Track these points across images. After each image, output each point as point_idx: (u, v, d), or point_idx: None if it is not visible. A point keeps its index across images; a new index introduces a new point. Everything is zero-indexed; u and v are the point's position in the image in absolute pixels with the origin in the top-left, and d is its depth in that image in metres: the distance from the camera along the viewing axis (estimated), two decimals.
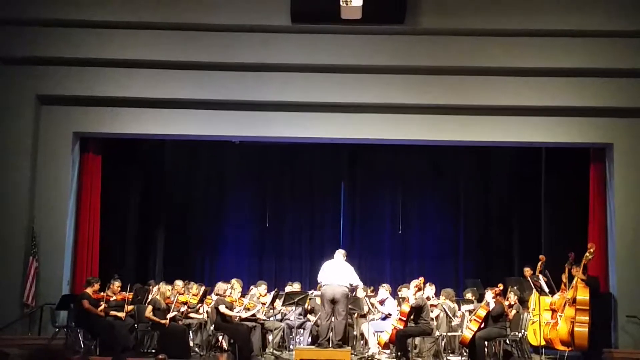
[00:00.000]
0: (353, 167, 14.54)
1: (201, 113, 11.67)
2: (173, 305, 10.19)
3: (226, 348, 10.76)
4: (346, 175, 14.59)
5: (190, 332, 10.57)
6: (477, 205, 14.52)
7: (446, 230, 14.46)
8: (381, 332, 10.61)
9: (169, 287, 10.64)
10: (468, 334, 9.96)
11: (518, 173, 14.02)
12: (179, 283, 10.97)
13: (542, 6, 11.11)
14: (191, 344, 10.48)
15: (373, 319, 11.04)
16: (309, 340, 10.99)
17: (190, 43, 11.30)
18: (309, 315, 11.25)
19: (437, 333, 10.53)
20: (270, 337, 10.69)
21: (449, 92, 11.45)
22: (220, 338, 10.87)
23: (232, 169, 14.54)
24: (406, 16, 11.01)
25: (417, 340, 10.49)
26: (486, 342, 9.99)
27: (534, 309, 10.43)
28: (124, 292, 10.57)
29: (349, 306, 10.26)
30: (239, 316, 10.35)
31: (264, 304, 10.93)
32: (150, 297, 10.56)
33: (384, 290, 11.29)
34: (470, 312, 10.60)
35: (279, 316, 11.04)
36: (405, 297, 10.34)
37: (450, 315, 10.66)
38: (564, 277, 10.34)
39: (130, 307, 10.54)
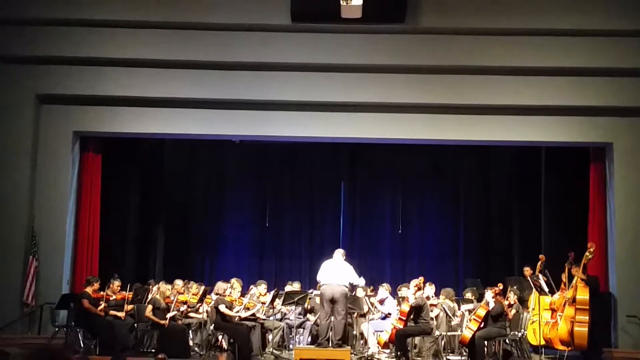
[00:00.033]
0: (353, 167, 14.54)
1: (201, 112, 11.66)
2: (173, 304, 10.19)
3: (226, 347, 10.76)
4: (346, 174, 14.59)
5: (190, 331, 10.58)
6: (477, 205, 14.52)
7: (446, 230, 14.45)
8: (381, 331, 10.62)
9: (169, 286, 10.64)
10: (468, 334, 9.96)
11: (518, 173, 14.01)
12: (178, 282, 10.97)
13: (542, 5, 11.11)
14: (191, 343, 10.48)
15: (373, 319, 11.04)
16: (309, 339, 10.99)
17: (190, 42, 11.30)
18: (308, 315, 11.24)
19: (437, 332, 10.53)
20: (270, 337, 10.69)
21: (449, 92, 11.44)
22: (220, 337, 10.87)
23: (232, 168, 14.53)
24: (406, 15, 11.01)
25: (417, 339, 10.49)
26: (486, 342, 9.99)
27: (533, 309, 10.43)
28: (124, 292, 10.57)
29: (349, 306, 10.25)
30: (239, 316, 10.35)
31: (263, 303, 10.93)
32: (150, 296, 10.56)
33: (384, 290, 11.30)
34: (470, 311, 10.60)
35: (278, 316, 11.04)
36: (405, 296, 10.34)
37: (450, 314, 10.66)
38: (564, 277, 10.33)
39: (130, 307, 10.55)
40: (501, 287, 10.41)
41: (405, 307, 10.01)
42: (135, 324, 10.54)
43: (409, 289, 10.36)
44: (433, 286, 11.04)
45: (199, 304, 10.77)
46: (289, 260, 14.40)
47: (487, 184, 14.52)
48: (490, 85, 11.47)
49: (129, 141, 12.61)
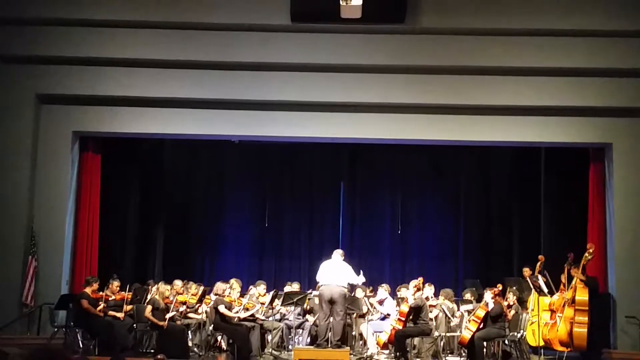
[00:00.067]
0: (353, 167, 14.53)
1: (201, 112, 11.67)
2: (172, 305, 10.18)
3: (225, 348, 10.76)
4: (346, 174, 14.57)
5: (189, 332, 10.58)
6: (476, 205, 14.50)
7: (445, 231, 14.44)
8: (380, 332, 10.61)
9: (168, 287, 10.63)
10: (467, 334, 9.96)
11: (518, 173, 14.00)
12: (177, 283, 10.98)
13: (542, 6, 11.10)
14: (190, 344, 10.48)
15: (372, 319, 11.04)
16: (308, 340, 10.99)
17: (190, 42, 11.30)
18: (307, 316, 11.24)
19: (436, 333, 10.53)
20: (269, 337, 10.69)
21: (449, 92, 11.44)
22: (219, 338, 10.86)
23: (232, 168, 14.52)
24: (406, 15, 11.01)
25: (416, 340, 10.49)
26: (485, 343, 9.99)
27: (532, 310, 10.42)
28: (123, 292, 10.57)
29: (348, 306, 10.25)
30: (238, 316, 10.34)
31: (263, 304, 10.92)
32: (149, 297, 10.55)
33: (383, 291, 11.29)
34: (469, 312, 10.60)
35: (277, 316, 11.03)
36: (405, 297, 10.34)
37: (449, 315, 10.66)
38: (563, 278, 10.34)
39: (129, 307, 10.55)
40: (500, 288, 10.40)
41: (405, 308, 10.01)
42: (135, 325, 10.53)
43: (408, 289, 10.36)
44: (432, 287, 11.04)
45: (198, 305, 10.77)
46: (288, 261, 14.38)
47: (486, 185, 14.50)
48: (489, 85, 11.47)
49: (128, 141, 12.61)
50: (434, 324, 10.54)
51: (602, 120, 11.55)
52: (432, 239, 14.37)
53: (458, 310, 10.99)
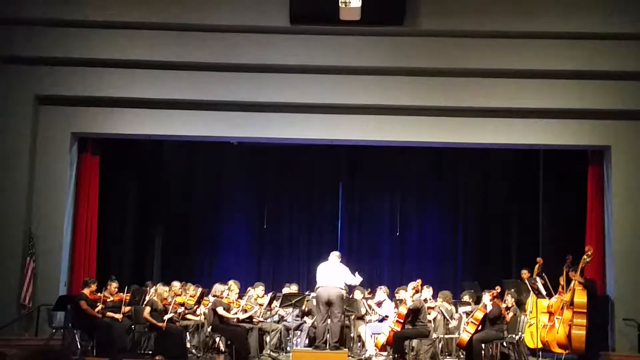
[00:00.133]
0: (351, 168, 14.52)
1: (199, 114, 11.67)
2: (170, 306, 10.17)
3: (223, 350, 10.73)
4: (344, 176, 14.56)
5: (187, 333, 10.57)
6: (475, 208, 14.48)
7: (444, 232, 14.43)
8: (378, 334, 10.59)
9: (166, 288, 10.63)
10: (465, 337, 9.96)
11: (516, 175, 13.99)
12: (176, 284, 10.97)
13: (541, 8, 11.10)
14: (188, 345, 10.48)
15: (370, 321, 11.03)
16: (306, 342, 10.98)
17: (188, 44, 11.30)
18: (306, 317, 11.23)
19: (435, 335, 10.53)
20: (267, 339, 10.68)
21: (448, 94, 11.44)
22: (217, 340, 10.85)
23: (231, 170, 14.50)
24: (405, 17, 11.02)
25: (415, 342, 10.48)
26: (483, 345, 9.98)
27: (531, 312, 10.41)
28: (121, 293, 10.56)
29: (346, 308, 10.25)
30: (236, 318, 10.33)
31: (261, 305, 10.92)
32: (147, 298, 10.54)
33: (382, 292, 11.28)
34: (467, 314, 10.59)
35: (276, 318, 11.03)
36: (403, 299, 10.32)
37: (448, 317, 10.66)
38: (562, 280, 10.33)
39: (127, 308, 10.52)
40: (499, 290, 10.39)
41: (403, 310, 10.01)
42: (133, 326, 10.50)
43: (406, 291, 10.35)
44: (431, 289, 11.04)
45: (197, 306, 10.76)
46: (286, 262, 14.35)
47: (485, 186, 14.49)
48: (488, 87, 11.47)
49: (127, 143, 12.60)
50: (433, 326, 10.53)
51: (601, 122, 11.56)
52: (431, 241, 14.35)
53: (456, 312, 10.99)
